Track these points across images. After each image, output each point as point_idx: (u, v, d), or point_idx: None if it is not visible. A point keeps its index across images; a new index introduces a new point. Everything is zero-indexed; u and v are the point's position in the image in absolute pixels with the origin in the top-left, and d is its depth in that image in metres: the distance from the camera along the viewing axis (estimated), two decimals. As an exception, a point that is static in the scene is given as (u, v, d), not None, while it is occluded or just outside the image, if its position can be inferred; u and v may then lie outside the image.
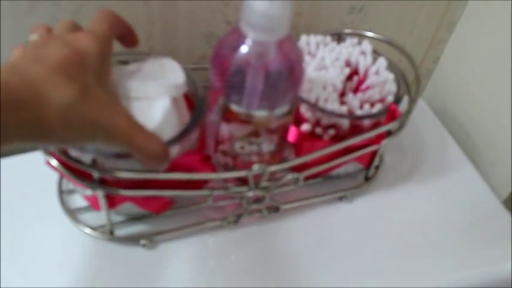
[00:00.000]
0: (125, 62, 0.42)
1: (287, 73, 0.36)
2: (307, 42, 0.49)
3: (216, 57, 0.36)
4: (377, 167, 0.52)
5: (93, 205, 0.43)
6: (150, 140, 0.33)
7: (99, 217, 0.45)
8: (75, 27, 0.34)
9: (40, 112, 0.28)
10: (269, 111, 0.37)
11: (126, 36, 0.38)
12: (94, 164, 0.37)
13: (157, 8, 0.49)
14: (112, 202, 0.41)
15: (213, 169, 0.42)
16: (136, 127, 0.33)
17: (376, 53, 0.49)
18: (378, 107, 0.45)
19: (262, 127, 0.38)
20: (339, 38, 0.52)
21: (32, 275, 0.42)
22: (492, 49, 0.56)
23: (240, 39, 0.34)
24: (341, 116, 0.44)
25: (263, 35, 0.34)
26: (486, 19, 0.56)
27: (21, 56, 0.31)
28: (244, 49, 0.34)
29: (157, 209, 0.43)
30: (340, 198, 0.50)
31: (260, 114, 0.37)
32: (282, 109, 0.37)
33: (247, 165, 0.40)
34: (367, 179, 0.51)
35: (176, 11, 0.50)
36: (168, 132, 0.38)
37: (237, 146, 0.39)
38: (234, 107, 0.36)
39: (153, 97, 0.39)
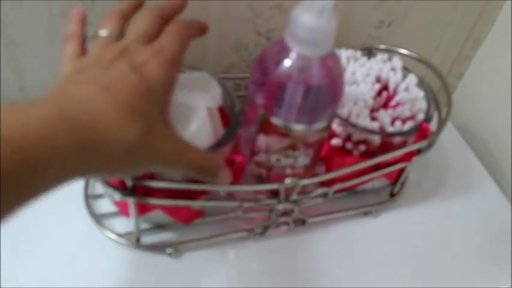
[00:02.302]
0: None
1: (328, 89, 0.36)
2: (338, 56, 0.49)
3: (258, 68, 0.36)
4: (402, 183, 0.52)
5: (123, 211, 0.42)
6: (207, 160, 0.33)
7: (123, 224, 0.45)
8: (153, 34, 0.33)
9: (103, 154, 0.26)
10: (308, 125, 0.36)
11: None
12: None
13: (188, 16, 0.49)
14: (142, 209, 0.40)
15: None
16: (194, 153, 0.32)
17: (405, 69, 0.49)
18: (408, 125, 0.45)
19: (300, 141, 0.38)
20: (369, 52, 0.52)
21: (52, 281, 0.41)
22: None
23: (284, 51, 0.34)
24: (373, 132, 0.43)
25: (308, 49, 0.33)
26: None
27: (84, 72, 0.29)
28: (287, 62, 0.34)
29: (186, 218, 0.43)
30: (365, 213, 0.50)
31: (299, 128, 0.36)
32: (321, 124, 0.37)
33: (281, 178, 0.40)
34: (393, 195, 0.51)
35: (207, 20, 0.49)
36: (202, 143, 0.38)
37: (273, 158, 0.39)
38: (274, 120, 0.36)
39: (190, 105, 0.39)
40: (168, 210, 0.42)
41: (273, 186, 0.40)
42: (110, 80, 0.28)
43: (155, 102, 0.29)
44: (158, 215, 0.42)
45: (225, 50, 0.53)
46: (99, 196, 0.47)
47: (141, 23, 0.33)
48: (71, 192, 0.46)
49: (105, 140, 0.26)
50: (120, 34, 0.33)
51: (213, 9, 0.49)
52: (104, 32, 0.33)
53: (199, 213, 0.44)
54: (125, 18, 0.34)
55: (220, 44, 0.52)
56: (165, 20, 0.34)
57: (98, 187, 0.47)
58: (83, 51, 0.33)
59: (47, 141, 0.23)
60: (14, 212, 0.23)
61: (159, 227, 0.45)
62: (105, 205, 0.46)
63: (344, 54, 0.49)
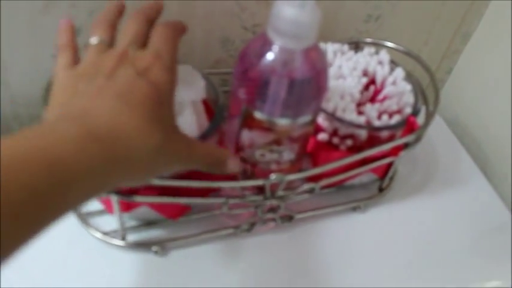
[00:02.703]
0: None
1: (312, 82, 0.35)
2: (324, 50, 0.49)
3: (241, 62, 0.36)
4: (391, 178, 0.52)
5: (108, 208, 0.42)
6: (216, 153, 0.34)
7: (111, 222, 0.44)
8: (144, 37, 0.32)
9: (128, 167, 0.27)
10: (292, 119, 0.36)
11: None
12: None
13: (174, 12, 0.48)
14: (128, 206, 0.40)
15: (231, 177, 0.41)
16: (203, 148, 0.33)
17: (393, 63, 0.49)
18: (395, 118, 0.44)
19: (284, 135, 0.37)
20: (356, 46, 0.51)
21: (38, 281, 0.41)
22: (506, 61, 0.56)
23: (266, 45, 0.34)
24: (359, 126, 0.43)
25: (290, 42, 0.33)
26: (501, 31, 0.56)
27: (87, 81, 0.29)
28: (270, 56, 0.34)
29: (173, 214, 0.43)
30: (354, 209, 0.50)
31: (283, 122, 0.36)
32: (305, 118, 0.37)
33: (266, 173, 0.40)
34: (381, 189, 0.51)
35: (193, 15, 0.49)
36: None
37: (258, 153, 0.39)
38: (257, 114, 0.36)
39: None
40: (155, 206, 0.41)
41: (258, 182, 0.40)
42: (121, 90, 0.28)
43: (166, 107, 0.30)
44: (145, 211, 0.42)
45: (212, 45, 0.52)
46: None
47: (130, 28, 0.33)
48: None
49: (130, 154, 0.27)
50: (111, 40, 0.33)
51: (199, 5, 0.48)
52: (94, 40, 0.32)
53: (186, 209, 0.44)
54: (113, 23, 0.34)
55: (206, 40, 0.52)
56: (151, 22, 0.34)
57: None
58: (76, 60, 0.32)
59: (80, 162, 0.24)
60: (47, 229, 0.23)
61: (146, 224, 0.45)
62: (91, 203, 0.46)
63: (331, 48, 0.49)
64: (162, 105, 0.29)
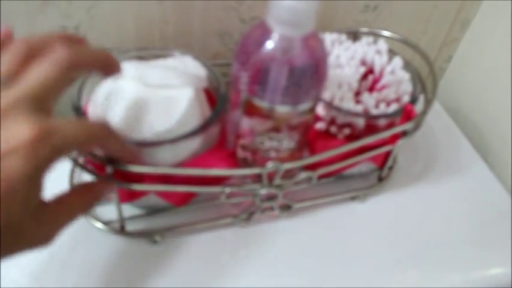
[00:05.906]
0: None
1: (311, 70, 0.35)
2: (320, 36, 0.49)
3: (241, 51, 0.36)
4: (390, 168, 0.52)
5: (121, 197, 0.42)
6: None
7: (113, 211, 0.44)
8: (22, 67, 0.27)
9: None
10: (291, 107, 0.36)
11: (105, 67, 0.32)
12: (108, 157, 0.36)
13: (171, 7, 0.48)
14: (134, 194, 0.40)
15: (235, 166, 0.42)
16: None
17: (391, 52, 0.49)
18: (393, 107, 0.45)
19: (283, 123, 0.37)
20: (355, 36, 0.51)
21: (36, 269, 0.41)
22: (506, 48, 0.56)
23: (266, 33, 0.34)
24: (357, 115, 0.43)
25: (289, 29, 0.33)
26: (500, 18, 0.56)
27: None
28: (269, 44, 0.34)
29: (180, 201, 0.42)
30: (353, 198, 0.50)
31: (282, 109, 0.36)
32: (304, 106, 0.37)
33: (266, 162, 0.40)
34: (380, 179, 0.51)
35: (190, 9, 0.49)
36: (191, 124, 0.38)
37: (257, 141, 0.39)
38: (257, 102, 0.36)
39: (177, 86, 0.39)
40: (162, 194, 0.41)
41: (255, 170, 0.40)
42: None
43: (18, 202, 0.25)
44: (151, 199, 0.42)
45: (210, 39, 0.52)
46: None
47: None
48: (57, 181, 0.46)
49: None
50: None
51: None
52: None
53: (192, 196, 0.44)
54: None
55: (204, 33, 0.52)
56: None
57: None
58: None
59: None
60: None
61: (146, 214, 0.45)
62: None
63: (329, 38, 0.49)
64: (10, 202, 0.25)
